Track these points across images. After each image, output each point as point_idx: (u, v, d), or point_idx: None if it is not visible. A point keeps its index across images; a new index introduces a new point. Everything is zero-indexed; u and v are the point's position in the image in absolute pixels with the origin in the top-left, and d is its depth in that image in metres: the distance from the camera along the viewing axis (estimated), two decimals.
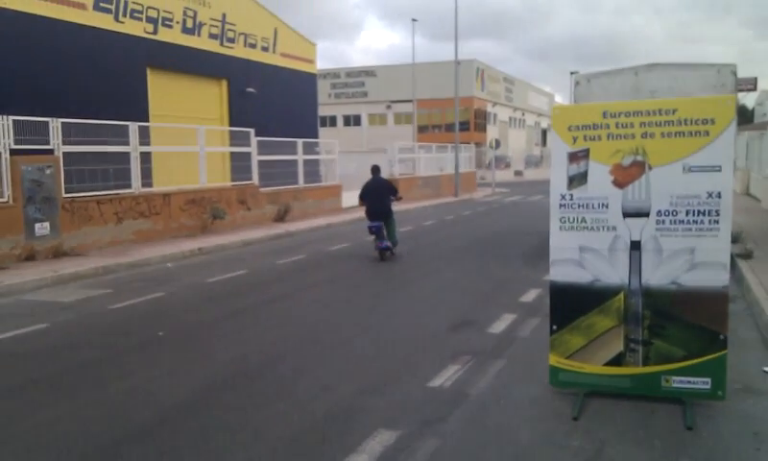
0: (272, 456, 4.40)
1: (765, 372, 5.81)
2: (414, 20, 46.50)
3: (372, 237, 13.36)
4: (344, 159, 26.74)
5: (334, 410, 5.18)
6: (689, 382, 4.91)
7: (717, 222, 4.79)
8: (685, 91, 10.95)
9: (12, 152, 12.33)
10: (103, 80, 18.91)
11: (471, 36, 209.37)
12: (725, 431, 4.61)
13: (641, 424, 4.74)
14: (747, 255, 10.21)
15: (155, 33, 21.14)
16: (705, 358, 4.86)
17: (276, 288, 10.48)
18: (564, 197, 5.19)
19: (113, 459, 4.43)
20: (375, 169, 14.49)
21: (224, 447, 4.57)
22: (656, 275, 4.97)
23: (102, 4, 19.15)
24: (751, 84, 37.88)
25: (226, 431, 4.83)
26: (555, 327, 5.30)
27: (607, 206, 5.07)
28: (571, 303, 5.22)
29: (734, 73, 11.27)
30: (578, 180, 5.16)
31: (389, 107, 66.26)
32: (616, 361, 5.11)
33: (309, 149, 23.45)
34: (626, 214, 5.03)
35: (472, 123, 62.79)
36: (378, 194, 13.59)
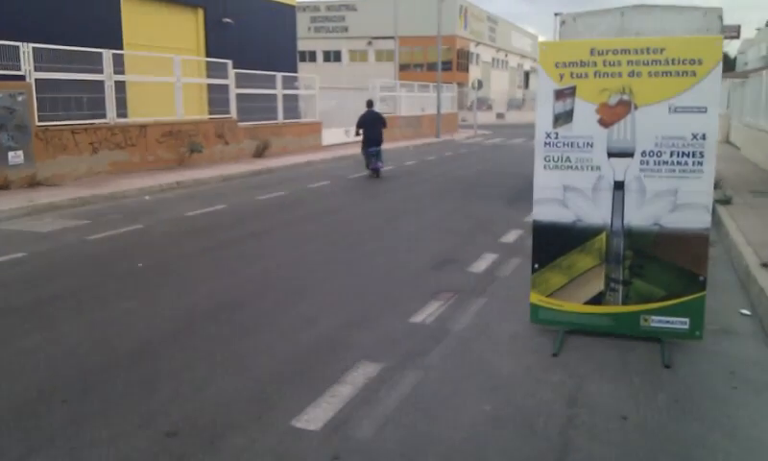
0: (255, 385, 4.43)
1: (742, 314, 5.93)
2: None
3: (365, 160, 16.39)
4: (324, 96, 26.39)
5: (317, 342, 5.22)
6: (668, 322, 4.99)
7: (701, 164, 4.80)
8: (671, 34, 10.86)
9: None
10: (75, 6, 18.26)
11: None
12: (702, 370, 4.72)
13: (620, 362, 4.83)
14: (726, 201, 10.33)
15: None
16: (684, 299, 4.93)
17: (257, 223, 10.43)
18: (549, 135, 5.15)
19: (97, 385, 4.43)
20: (370, 103, 17.58)
21: (207, 375, 4.59)
22: (638, 215, 5.00)
23: None
24: (734, 32, 37.73)
25: (209, 360, 4.85)
26: (536, 266, 5.33)
27: (591, 146, 5.05)
28: (553, 243, 5.25)
29: (720, 18, 11.19)
30: (563, 118, 5.12)
31: (370, 43, 65.20)
32: (596, 300, 5.18)
33: (289, 84, 23.08)
34: (610, 154, 5.01)
35: (455, 63, 62.13)
36: (373, 124, 16.45)
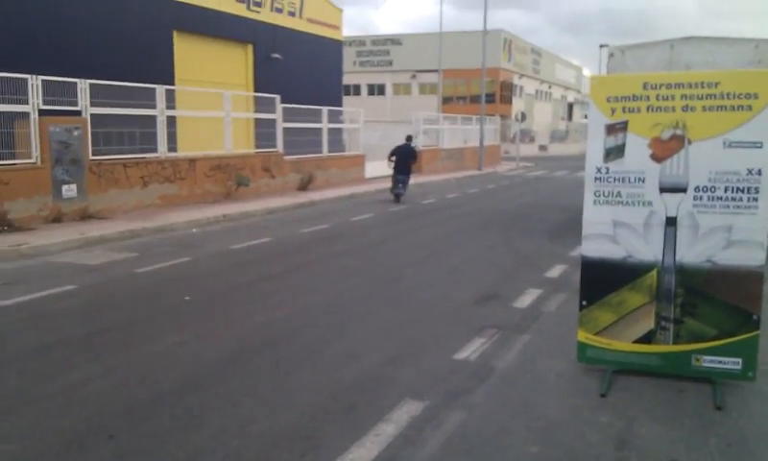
0: (299, 422, 4.41)
1: None
2: None
3: (391, 185, 18.59)
4: (367, 129, 26.61)
5: (361, 379, 5.19)
6: (720, 362, 4.83)
7: (756, 200, 4.67)
8: (722, 66, 10.68)
9: (41, 112, 12.40)
10: (129, 43, 18.91)
11: (500, 6, 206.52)
12: (755, 413, 4.55)
13: (670, 403, 4.68)
14: None
15: None
16: (736, 338, 4.77)
17: (301, 256, 10.49)
18: (599, 170, 5.08)
19: (144, 419, 4.47)
20: (409, 138, 20.67)
21: (252, 411, 4.59)
22: (691, 252, 4.87)
23: None
24: None
25: (253, 396, 4.86)
26: (585, 303, 5.22)
27: (643, 181, 4.96)
28: (602, 279, 5.14)
29: None
30: (615, 152, 5.05)
31: (414, 76, 65.63)
32: (646, 339, 5.04)
33: (334, 117, 23.37)
34: (663, 189, 4.92)
35: (498, 95, 62.07)
36: (405, 156, 18.79)
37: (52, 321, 6.92)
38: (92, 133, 13.42)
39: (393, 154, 18.87)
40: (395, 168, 18.64)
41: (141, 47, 19.26)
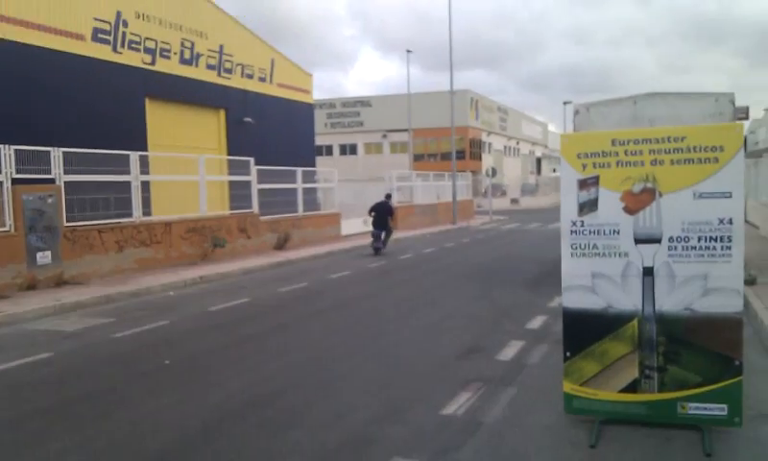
0: None
1: None
2: (409, 51, 47.03)
3: (371, 240, 19.66)
4: (341, 188, 26.82)
5: (348, 439, 5.15)
6: (705, 409, 4.89)
7: (730, 248, 4.82)
8: (684, 120, 11.06)
9: (14, 181, 12.35)
10: (102, 110, 19.04)
11: (466, 67, 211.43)
12: (744, 458, 4.60)
13: (659, 452, 4.72)
14: (751, 282, 10.24)
15: (153, 63, 21.33)
16: (720, 384, 4.85)
17: (281, 316, 10.45)
18: (574, 223, 5.21)
19: None
20: (388, 196, 22.26)
21: None
22: (669, 301, 4.98)
23: (100, 35, 19.36)
24: (743, 114, 38.11)
25: None
26: (568, 354, 5.28)
27: (618, 233, 5.10)
28: (585, 330, 5.21)
29: (732, 102, 11.39)
30: (588, 206, 5.19)
31: (385, 136, 66.57)
32: (632, 388, 5.10)
33: (308, 177, 23.54)
34: (638, 240, 5.05)
35: (468, 152, 63.12)
36: (381, 212, 19.86)
37: (28, 390, 6.78)
38: (67, 199, 13.35)
39: (372, 210, 20.03)
40: (373, 223, 19.78)
41: (114, 114, 19.40)
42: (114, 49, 19.85)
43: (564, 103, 63.92)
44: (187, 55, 22.82)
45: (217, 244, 17.39)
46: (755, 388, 5.90)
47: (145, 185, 15.87)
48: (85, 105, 18.56)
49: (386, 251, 19.72)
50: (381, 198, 21.35)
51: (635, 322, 5.07)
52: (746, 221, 24.91)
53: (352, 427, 5.38)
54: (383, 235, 19.62)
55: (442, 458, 4.70)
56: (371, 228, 20.03)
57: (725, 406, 4.85)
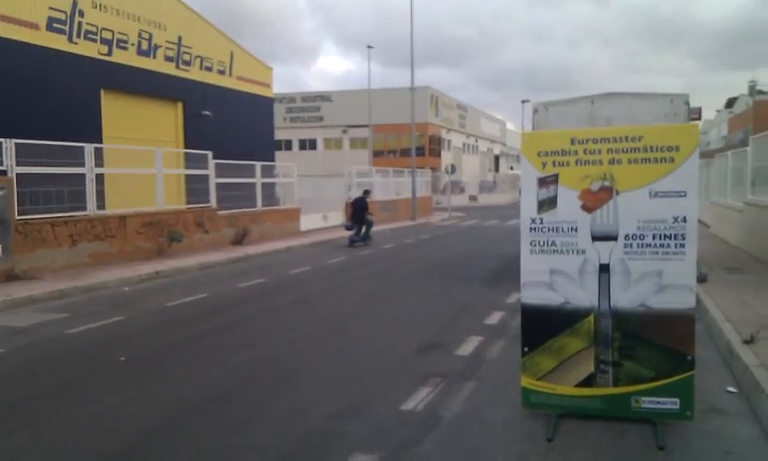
0: None
1: (729, 392, 5.98)
2: (369, 47, 47.19)
3: (349, 233, 21.03)
4: (301, 183, 26.69)
5: (308, 434, 5.14)
6: (658, 403, 5.02)
7: (683, 246, 4.94)
8: (640, 120, 11.31)
9: None
10: (56, 101, 18.59)
11: (427, 64, 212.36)
12: (696, 451, 4.72)
13: (614, 445, 4.82)
14: (702, 279, 10.52)
15: (109, 54, 20.91)
16: (673, 379, 4.97)
17: (239, 312, 10.35)
18: (534, 220, 5.28)
19: None
20: (366, 192, 23.09)
21: None
22: (624, 297, 5.09)
23: (55, 25, 18.89)
24: (696, 114, 39.07)
25: (198, 458, 4.75)
26: (526, 349, 5.35)
27: (576, 230, 5.18)
28: (542, 325, 5.29)
29: (687, 103, 11.68)
30: (547, 204, 5.26)
31: (345, 131, 66.46)
32: (587, 382, 5.20)
33: (267, 172, 23.37)
34: (595, 238, 5.14)
35: (427, 148, 63.42)
36: (358, 208, 21.32)
37: None
38: (19, 192, 13.00)
39: (352, 205, 21.96)
40: (351, 217, 21.53)
41: (69, 106, 18.96)
42: (70, 39, 19.39)
43: (523, 101, 64.74)
44: (145, 46, 22.42)
45: (174, 238, 17.15)
46: (706, 382, 6.07)
47: (100, 178, 15.54)
48: (39, 95, 18.09)
49: (346, 245, 20.47)
50: (344, 194, 23.61)
51: (591, 317, 5.16)
52: (698, 220, 25.61)
53: (312, 423, 5.38)
54: (359, 230, 20.93)
55: (402, 453, 4.73)
56: (336, 226, 22.16)
57: (677, 400, 4.98)
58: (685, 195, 4.90)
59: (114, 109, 21.19)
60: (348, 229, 21.34)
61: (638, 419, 5.09)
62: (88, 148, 14.93)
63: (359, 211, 21.17)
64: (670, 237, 4.95)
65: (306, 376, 6.75)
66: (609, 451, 4.72)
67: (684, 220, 4.92)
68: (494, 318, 9.36)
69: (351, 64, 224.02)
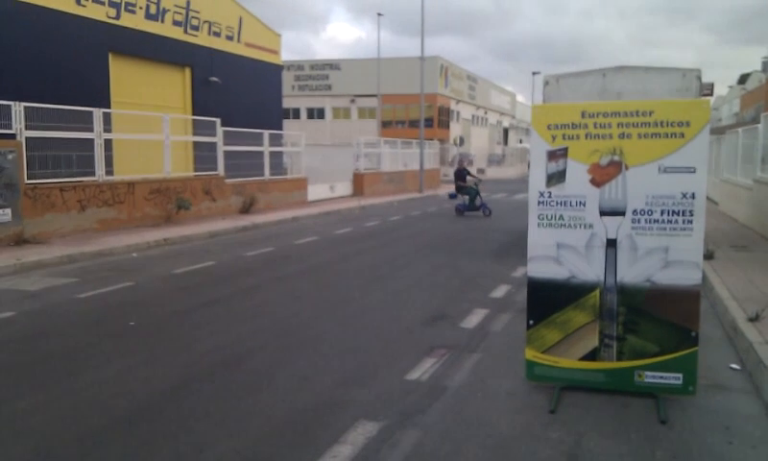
0: (255, 447, 4.41)
1: (732, 369, 6.02)
2: (380, 15, 46.81)
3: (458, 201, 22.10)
4: (309, 153, 26.67)
5: (315, 401, 5.21)
6: (661, 377, 5.06)
7: (691, 222, 4.94)
8: (651, 94, 11.24)
9: None
10: (63, 64, 18.53)
11: (438, 33, 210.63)
12: (697, 425, 4.77)
13: (617, 418, 4.88)
14: (708, 256, 10.53)
15: (117, 18, 20.77)
16: (677, 354, 5.01)
17: (247, 280, 10.43)
18: (542, 194, 5.29)
19: (95, 447, 4.39)
20: (461, 162, 24.19)
21: (205, 437, 4.56)
22: (631, 272, 5.11)
23: None
24: (708, 90, 38.66)
25: (206, 421, 4.82)
26: (531, 322, 5.40)
27: (584, 205, 5.19)
28: (548, 299, 5.33)
29: (699, 78, 11.58)
30: (556, 178, 5.26)
31: (353, 101, 66.07)
32: (591, 356, 5.24)
33: (275, 141, 23.34)
34: (602, 213, 5.15)
35: (436, 120, 63.03)
36: (459, 178, 22.12)
37: None
38: (28, 156, 13.06)
39: (454, 176, 22.62)
40: (456, 188, 22.23)
41: (76, 70, 18.90)
42: (78, 2, 19.25)
43: (534, 73, 64.21)
44: (153, 10, 22.26)
45: (181, 206, 17.21)
46: (709, 359, 6.12)
47: (108, 144, 15.59)
48: (47, 59, 18.04)
49: (353, 216, 20.30)
50: (348, 163, 23.98)
51: (596, 292, 5.19)
52: (706, 197, 25.51)
53: (319, 390, 5.45)
54: (463, 198, 21.85)
55: (406, 421, 4.80)
56: (343, 196, 21.98)
57: (680, 375, 5.02)
58: (695, 171, 4.89)
59: (122, 74, 21.13)
60: (452, 197, 22.74)
61: (641, 393, 5.15)
62: (97, 113, 14.94)
63: (459, 178, 21.98)
64: (678, 213, 4.96)
65: (313, 345, 6.82)
66: (611, 424, 4.77)
67: (693, 196, 4.92)
68: (500, 291, 9.40)
69: (362, 32, 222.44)
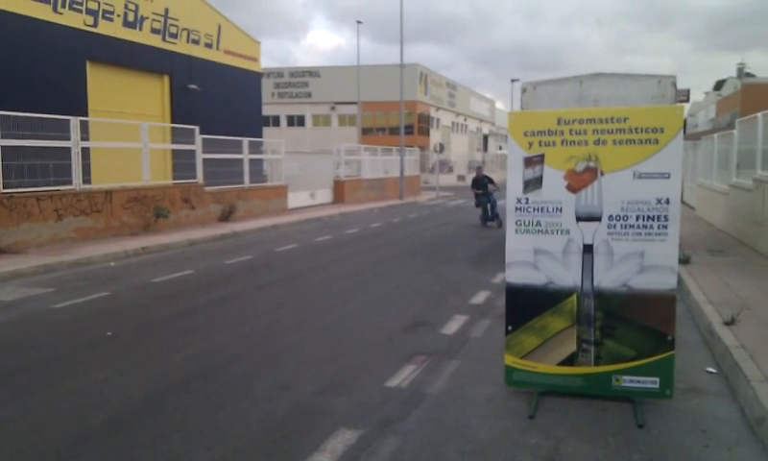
0: (233, 456, 4.38)
1: (708, 372, 6.09)
2: (359, 22, 46.81)
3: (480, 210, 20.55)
4: (288, 160, 26.61)
5: (294, 410, 5.19)
6: (639, 382, 5.10)
7: (666, 227, 5.00)
8: (628, 101, 11.36)
9: None
10: (40, 72, 18.37)
11: (418, 40, 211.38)
12: (674, 429, 4.81)
13: (595, 422, 4.91)
14: (685, 261, 10.64)
15: (95, 25, 20.64)
16: (653, 358, 5.06)
17: (226, 288, 10.37)
18: (519, 201, 5.32)
19: (71, 460, 4.33)
20: (479, 169, 23.24)
21: (183, 447, 4.52)
22: (607, 277, 5.15)
23: None
24: (684, 96, 39.18)
25: (184, 432, 4.78)
26: (510, 328, 5.42)
27: (561, 211, 5.23)
28: (526, 305, 5.36)
29: (674, 84, 11.73)
30: (533, 184, 5.30)
31: (333, 108, 66.13)
32: (569, 361, 5.27)
33: (255, 148, 23.28)
34: (579, 218, 5.19)
35: (416, 127, 63.25)
36: (481, 184, 20.71)
37: None
38: (3, 165, 12.89)
39: (472, 185, 21.28)
40: (475, 195, 20.87)
41: (54, 78, 18.75)
42: (55, 9, 19.12)
43: (512, 80, 64.67)
44: (131, 17, 22.15)
45: (160, 214, 17.08)
46: (686, 363, 6.18)
47: (86, 153, 15.43)
48: (23, 67, 17.87)
49: (333, 223, 19.85)
50: (328, 171, 23.00)
51: (574, 297, 5.23)
52: (682, 202, 25.79)
53: (298, 399, 5.43)
54: (489, 207, 20.18)
55: (386, 429, 4.79)
56: (323, 204, 21.28)
57: (657, 379, 5.06)
58: (669, 177, 4.95)
59: (100, 82, 20.97)
60: (478, 205, 20.79)
61: (619, 397, 5.18)
62: (74, 121, 14.80)
63: (482, 186, 20.60)
64: (653, 218, 5.01)
65: (292, 353, 6.79)
66: (588, 428, 4.80)
67: (668, 201, 4.97)
68: (480, 297, 9.43)
69: (342, 40, 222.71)
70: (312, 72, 67.77)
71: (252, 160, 22.45)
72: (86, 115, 18.57)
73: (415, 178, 39.98)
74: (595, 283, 5.18)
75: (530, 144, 5.26)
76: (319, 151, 35.49)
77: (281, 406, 5.26)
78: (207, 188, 19.59)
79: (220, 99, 26.19)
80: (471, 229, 19.40)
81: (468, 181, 57.26)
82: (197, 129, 19.32)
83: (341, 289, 10.25)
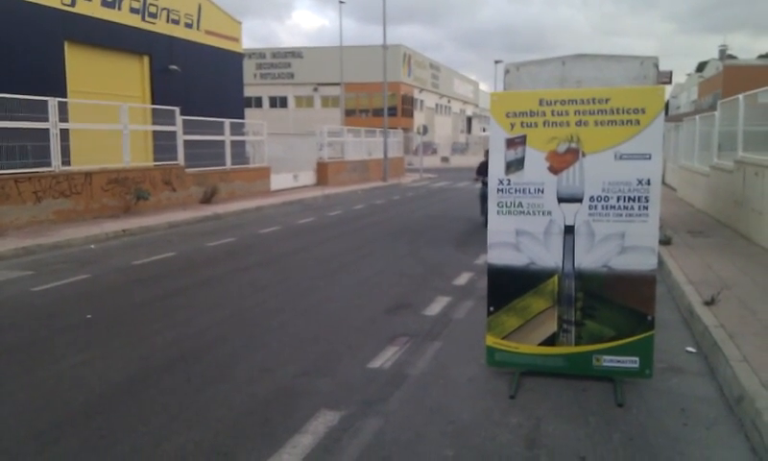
0: (215, 438, 4.37)
1: (688, 352, 6.15)
2: (341, 2, 46.26)
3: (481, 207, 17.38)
4: (271, 142, 26.44)
5: (275, 392, 5.18)
6: (619, 361, 5.14)
7: (647, 208, 5.02)
8: (610, 82, 11.37)
9: None
10: (17, 53, 18.03)
11: (402, 21, 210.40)
12: (654, 408, 4.86)
13: (575, 402, 4.95)
14: (666, 242, 10.72)
15: (72, 5, 20.25)
16: (633, 338, 5.10)
17: (208, 271, 10.31)
18: (501, 182, 5.31)
19: (52, 443, 4.30)
20: (487, 153, 19.74)
21: (165, 429, 4.50)
22: (588, 258, 5.17)
23: None
24: (666, 78, 39.33)
25: (165, 414, 4.76)
26: (492, 309, 5.43)
27: (542, 192, 5.23)
28: (508, 285, 5.37)
29: (656, 65, 11.76)
30: (515, 165, 5.29)
31: (316, 89, 65.71)
32: (550, 341, 5.30)
33: (236, 130, 23.09)
34: (560, 199, 5.20)
35: (400, 108, 63.05)
36: (482, 171, 16.88)
37: None
38: None
39: (478, 172, 17.77)
40: (482, 183, 18.30)
41: (31, 58, 18.40)
42: None
43: (496, 62, 64.60)
44: None
45: (140, 196, 16.94)
46: (665, 342, 6.24)
47: (65, 134, 15.22)
48: (0, 47, 17.53)
49: (316, 205, 19.57)
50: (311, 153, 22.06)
51: (555, 278, 5.25)
52: (664, 183, 25.96)
53: (281, 380, 5.42)
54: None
55: (368, 410, 4.80)
56: (306, 186, 19.69)
57: (637, 359, 5.11)
58: (650, 158, 4.96)
59: (79, 63, 20.64)
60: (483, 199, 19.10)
61: (599, 377, 5.22)
62: (52, 102, 14.59)
63: (484, 175, 18.48)
64: (634, 200, 5.03)
65: (275, 335, 6.77)
66: (569, 407, 4.84)
67: (649, 182, 4.99)
68: (463, 279, 9.46)
69: (325, 20, 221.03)
70: (295, 53, 67.21)
71: (233, 142, 22.28)
72: (66, 97, 18.29)
73: (398, 160, 39.91)
74: (576, 264, 5.20)
75: (512, 125, 5.25)
76: (302, 132, 35.25)
77: (263, 388, 5.25)
78: (189, 170, 19.43)
79: (201, 80, 25.90)
80: (456, 210, 19.41)
81: (453, 163, 57.24)
82: (177, 110, 19.12)
83: (324, 271, 10.23)
